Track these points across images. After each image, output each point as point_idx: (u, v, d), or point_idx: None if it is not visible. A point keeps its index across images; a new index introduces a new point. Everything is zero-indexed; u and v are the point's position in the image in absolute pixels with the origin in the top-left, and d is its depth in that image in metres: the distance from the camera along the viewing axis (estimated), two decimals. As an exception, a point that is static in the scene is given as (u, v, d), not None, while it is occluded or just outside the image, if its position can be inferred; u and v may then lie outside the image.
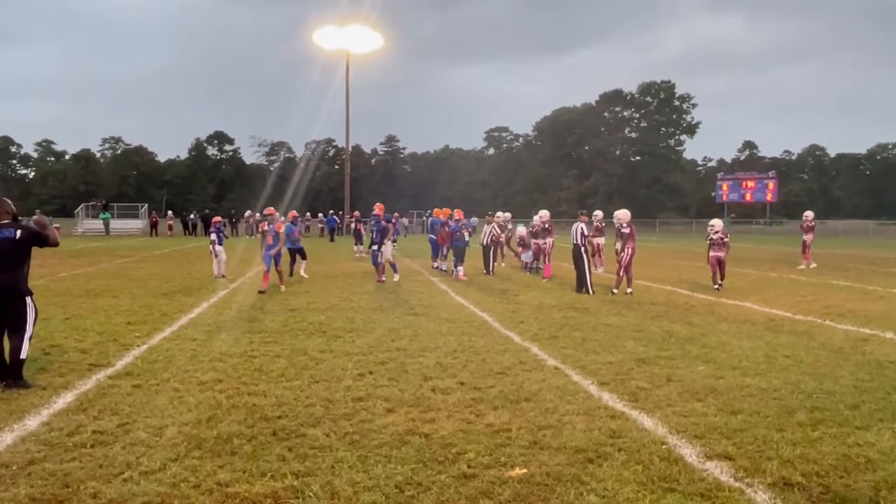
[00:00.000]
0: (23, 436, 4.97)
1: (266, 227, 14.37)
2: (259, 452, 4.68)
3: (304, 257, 17.52)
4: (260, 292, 13.55)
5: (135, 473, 4.29)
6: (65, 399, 5.94)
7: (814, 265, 20.99)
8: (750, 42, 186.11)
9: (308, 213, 55.26)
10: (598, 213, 21.86)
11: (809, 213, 22.61)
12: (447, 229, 19.11)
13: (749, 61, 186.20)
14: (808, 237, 21.65)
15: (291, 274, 16.91)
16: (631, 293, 13.87)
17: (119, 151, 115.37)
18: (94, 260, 23.34)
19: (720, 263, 14.90)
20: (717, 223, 15.30)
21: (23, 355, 6.32)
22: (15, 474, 4.27)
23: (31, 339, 6.47)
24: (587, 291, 14.04)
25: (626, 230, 14.47)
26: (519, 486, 4.15)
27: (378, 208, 17.15)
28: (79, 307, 11.57)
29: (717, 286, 14.70)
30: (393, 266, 16.83)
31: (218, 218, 19.24)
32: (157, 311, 11.17)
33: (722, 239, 14.93)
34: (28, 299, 6.44)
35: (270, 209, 15.07)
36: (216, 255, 16.83)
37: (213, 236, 17.01)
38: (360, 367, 7.30)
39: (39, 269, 18.68)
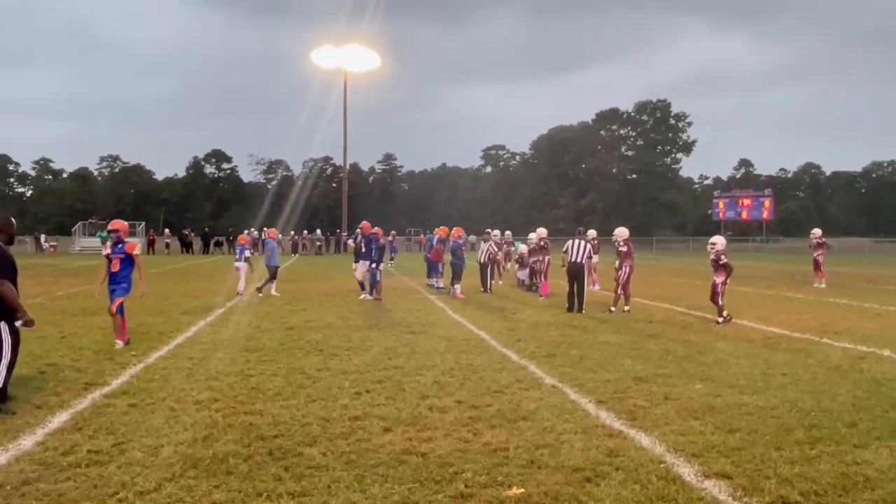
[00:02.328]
0: (17, 455, 4.94)
1: (109, 251, 9.75)
2: (255, 472, 4.66)
3: (274, 277, 17.59)
4: (124, 342, 9.64)
5: (130, 493, 4.26)
6: (60, 418, 5.91)
7: (823, 285, 20.92)
8: (748, 64, 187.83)
9: (305, 231, 55.30)
10: (592, 232, 21.96)
11: (817, 231, 22.62)
12: (441, 247, 19.20)
13: (747, 82, 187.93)
14: (818, 254, 21.64)
15: (260, 291, 16.99)
16: (628, 311, 13.88)
17: (117, 170, 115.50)
18: (91, 278, 23.24)
19: (713, 289, 12.45)
20: (714, 240, 12.60)
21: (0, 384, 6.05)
22: (9, 494, 4.24)
23: (9, 366, 6.19)
24: (580, 310, 13.87)
25: (624, 248, 14.50)
26: (516, 505, 4.12)
27: (365, 226, 17.36)
28: (75, 325, 11.54)
29: (719, 320, 12.23)
30: (361, 285, 17.00)
31: (244, 237, 19.27)
32: (154, 330, 11.15)
33: (715, 261, 12.48)
34: (2, 325, 6.18)
35: (116, 222, 10.14)
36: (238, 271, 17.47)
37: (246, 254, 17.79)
38: (357, 385, 7.27)
39: (35, 288, 18.65)
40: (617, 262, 14.53)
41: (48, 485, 4.39)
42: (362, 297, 16.51)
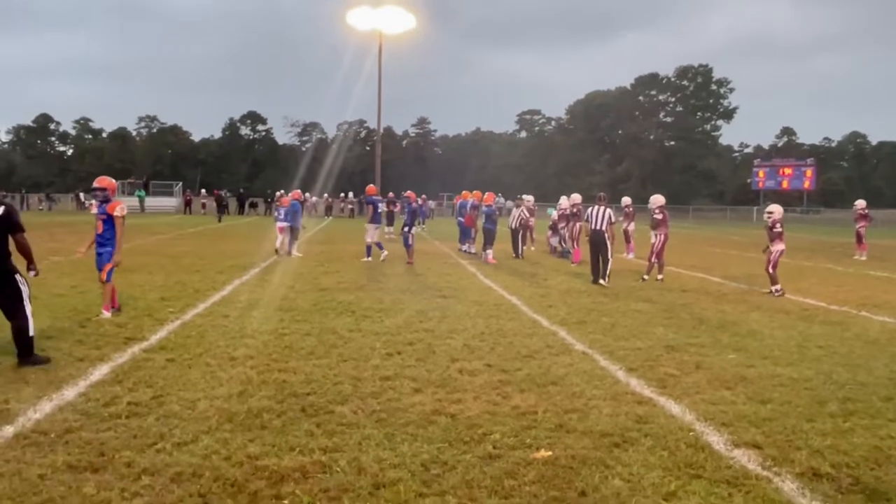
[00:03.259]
0: (61, 405, 5.11)
1: (95, 209, 8.84)
2: (288, 427, 4.76)
3: (295, 237, 17.93)
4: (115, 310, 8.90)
5: (168, 444, 4.40)
6: (101, 371, 6.09)
7: (864, 257, 20.48)
8: (794, 29, 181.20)
9: (342, 194, 55.49)
10: (627, 199, 21.69)
11: (861, 202, 22.10)
12: (475, 212, 19.12)
13: (792, 48, 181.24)
14: (860, 226, 21.18)
15: (290, 252, 17.26)
16: (661, 280, 13.72)
17: (154, 130, 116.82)
18: (129, 237, 23.68)
19: (769, 258, 12.23)
20: (774, 209, 12.46)
21: (31, 332, 6.19)
22: (53, 442, 4.40)
23: (32, 314, 6.26)
24: (604, 278, 13.13)
25: (660, 216, 14.29)
26: (544, 468, 4.16)
27: (369, 190, 17.62)
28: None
29: (770, 290, 12.17)
30: (379, 245, 17.07)
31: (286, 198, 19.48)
32: (191, 288, 11.37)
33: (771, 228, 12.34)
34: (17, 276, 6.23)
35: (102, 179, 8.90)
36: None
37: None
38: (389, 346, 7.36)
39: (77, 245, 19.08)
40: (652, 231, 14.32)
41: (90, 433, 4.55)
42: (382, 257, 16.75)
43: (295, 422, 4.89)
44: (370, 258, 16.75)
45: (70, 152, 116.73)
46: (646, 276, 13.88)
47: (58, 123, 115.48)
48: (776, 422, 5.11)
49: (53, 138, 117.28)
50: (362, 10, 57.49)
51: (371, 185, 18.76)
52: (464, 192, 21.70)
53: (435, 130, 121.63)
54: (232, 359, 6.67)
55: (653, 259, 14.03)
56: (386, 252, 16.92)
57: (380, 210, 17.42)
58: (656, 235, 14.10)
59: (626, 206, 21.33)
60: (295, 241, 17.82)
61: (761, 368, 6.75)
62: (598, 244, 13.40)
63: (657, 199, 14.59)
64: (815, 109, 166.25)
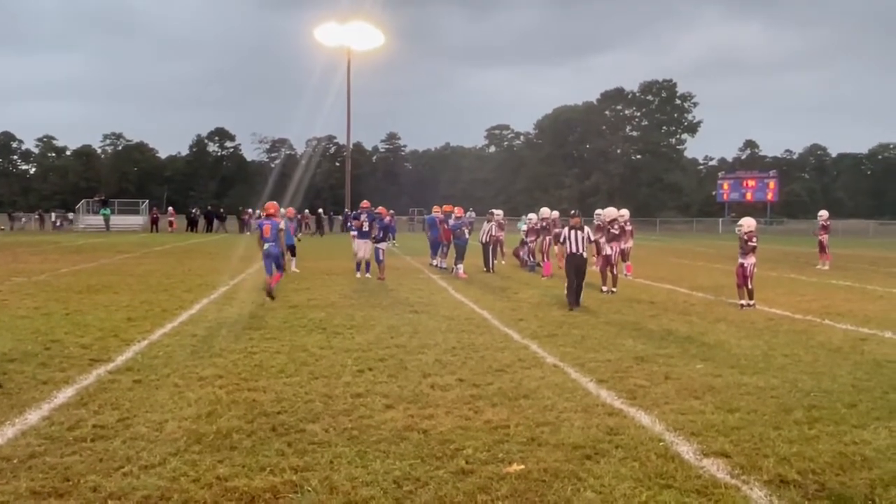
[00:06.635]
0: (24, 430, 4.99)
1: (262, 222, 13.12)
2: (258, 447, 4.71)
3: (293, 254, 17.97)
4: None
5: (135, 467, 4.32)
6: (65, 394, 5.96)
7: (826, 267, 20.90)
8: (759, 49, 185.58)
9: (307, 210, 55.16)
10: (601, 212, 21.86)
11: (824, 213, 22.54)
12: (445, 227, 19.14)
13: (758, 67, 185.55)
14: (823, 237, 21.58)
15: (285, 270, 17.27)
16: (614, 292, 13.83)
17: (120, 147, 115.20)
18: (95, 256, 23.34)
19: (744, 273, 11.94)
20: (744, 222, 12.23)
21: None
22: (16, 467, 4.30)
23: None
24: (577, 305, 11.87)
25: (617, 231, 14.54)
26: (516, 482, 4.17)
27: (365, 204, 17.64)
28: (79, 303, 11.59)
29: (742, 303, 11.99)
30: (358, 265, 16.97)
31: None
32: (158, 307, 11.20)
33: (746, 242, 12.07)
34: None
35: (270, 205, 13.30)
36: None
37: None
38: (360, 363, 7.32)
39: (41, 265, 18.74)
40: (607, 244, 14.50)
41: (54, 458, 4.45)
42: (360, 275, 16.63)
43: (265, 441, 4.84)
44: (360, 274, 16.59)
45: (33, 171, 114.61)
46: (614, 289, 14.03)
47: (20, 142, 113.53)
48: (744, 430, 5.19)
49: (16, 157, 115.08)
50: (330, 27, 57.52)
51: (365, 200, 18.75)
52: (434, 207, 21.72)
53: (405, 146, 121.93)
54: (200, 379, 6.58)
55: (614, 271, 14.25)
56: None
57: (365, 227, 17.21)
58: (611, 248, 14.32)
59: (600, 220, 21.48)
60: (293, 257, 17.92)
61: (728, 378, 6.85)
62: (578, 267, 12.12)
63: (624, 215, 14.80)
64: (777, 123, 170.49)
